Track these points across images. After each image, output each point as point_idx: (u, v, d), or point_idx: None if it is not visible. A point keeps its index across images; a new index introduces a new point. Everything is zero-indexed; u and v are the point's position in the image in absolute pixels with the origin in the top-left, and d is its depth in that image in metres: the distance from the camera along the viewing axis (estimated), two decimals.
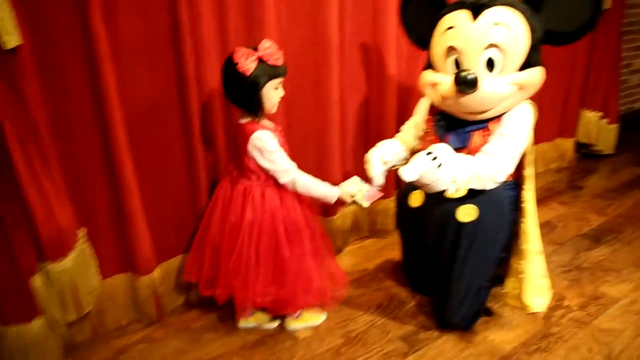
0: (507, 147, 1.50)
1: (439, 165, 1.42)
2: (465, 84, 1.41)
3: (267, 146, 1.57)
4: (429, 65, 1.66)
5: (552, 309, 1.90)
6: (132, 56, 1.59)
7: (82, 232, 1.65)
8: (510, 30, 1.42)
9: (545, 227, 2.53)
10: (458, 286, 1.67)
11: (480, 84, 1.42)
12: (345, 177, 2.21)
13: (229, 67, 1.52)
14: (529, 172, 1.62)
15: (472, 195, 1.54)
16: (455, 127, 1.60)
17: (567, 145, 3.36)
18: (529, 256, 1.66)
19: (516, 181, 1.65)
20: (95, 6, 1.43)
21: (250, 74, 1.49)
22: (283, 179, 1.62)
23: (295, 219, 1.67)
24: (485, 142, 1.55)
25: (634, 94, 4.07)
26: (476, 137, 1.57)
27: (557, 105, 3.21)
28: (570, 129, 3.33)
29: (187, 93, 1.70)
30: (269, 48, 1.52)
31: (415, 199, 1.76)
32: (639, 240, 2.40)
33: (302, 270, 1.68)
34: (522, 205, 1.64)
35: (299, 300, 1.71)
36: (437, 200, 1.58)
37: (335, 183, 2.13)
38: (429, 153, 1.44)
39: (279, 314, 1.81)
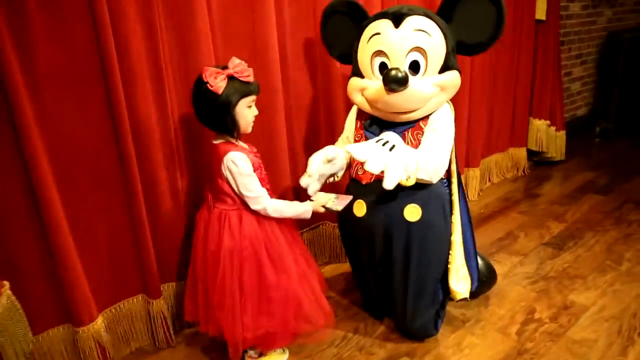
0: (442, 142, 1.57)
1: (392, 148, 1.44)
2: (396, 82, 1.45)
3: (240, 169, 1.49)
4: (355, 74, 1.68)
5: (523, 323, 1.84)
6: (53, 88, 1.45)
7: (5, 286, 1.46)
8: (429, 36, 1.52)
9: (508, 238, 2.49)
10: (414, 291, 1.67)
11: (409, 82, 1.48)
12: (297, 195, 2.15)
13: (199, 87, 1.46)
14: (453, 167, 1.70)
15: (415, 195, 1.58)
16: (386, 129, 1.62)
17: (520, 154, 3.38)
18: (454, 246, 1.70)
19: (448, 178, 1.70)
20: (4, 32, 1.29)
21: (222, 93, 1.43)
22: (254, 206, 1.53)
23: (276, 242, 1.57)
24: (418, 141, 1.60)
25: (576, 101, 4.18)
26: (409, 136, 1.60)
27: (507, 115, 3.24)
28: (522, 138, 3.36)
29: (119, 124, 1.55)
30: (238, 65, 1.46)
31: (359, 209, 1.68)
32: (599, 244, 2.40)
33: (291, 297, 1.56)
34: (452, 198, 1.70)
35: (290, 329, 1.58)
36: (382, 205, 1.61)
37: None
38: (379, 140, 1.46)
39: (270, 349, 1.68)
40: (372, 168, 1.40)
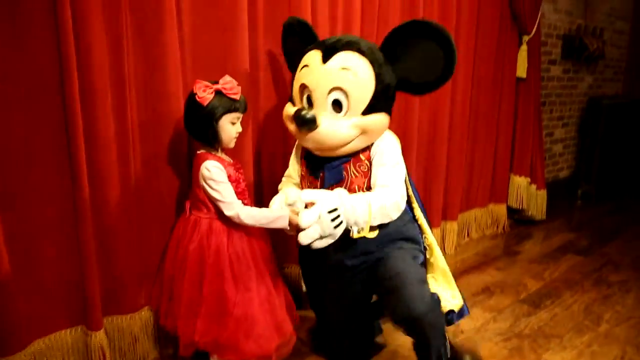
0: (395, 175, 1.52)
1: (338, 225, 1.38)
2: (301, 123, 1.45)
3: (212, 174, 1.52)
4: (290, 100, 1.64)
5: None
6: (4, 94, 1.37)
7: None
8: (355, 76, 1.45)
9: (482, 294, 2.37)
10: (406, 277, 1.47)
11: (319, 122, 1.45)
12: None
13: (190, 98, 1.53)
14: (410, 192, 1.67)
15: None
16: (326, 163, 1.57)
17: (500, 210, 3.32)
18: (442, 271, 1.68)
19: (409, 204, 1.65)
20: None
21: (207, 105, 1.49)
22: (227, 212, 1.54)
23: (243, 258, 1.58)
24: (361, 174, 1.54)
25: (558, 163, 4.18)
26: (350, 168, 1.55)
27: (487, 169, 3.20)
28: (502, 194, 3.31)
29: (73, 138, 1.47)
30: (228, 82, 1.53)
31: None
32: (577, 304, 2.28)
33: (247, 316, 1.54)
34: (419, 223, 1.66)
35: (240, 347, 1.53)
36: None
37: None
38: (332, 210, 1.38)
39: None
40: (305, 239, 1.37)
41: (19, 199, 1.45)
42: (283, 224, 1.56)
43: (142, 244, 1.69)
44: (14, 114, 1.41)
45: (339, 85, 1.44)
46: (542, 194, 3.45)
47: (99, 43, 1.49)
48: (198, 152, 1.60)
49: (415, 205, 1.68)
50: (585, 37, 3.94)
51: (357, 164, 1.55)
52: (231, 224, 1.57)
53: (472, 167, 3.09)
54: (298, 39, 1.70)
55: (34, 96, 1.43)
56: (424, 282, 1.52)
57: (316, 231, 1.36)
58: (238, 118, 1.57)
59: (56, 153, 1.49)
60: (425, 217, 1.70)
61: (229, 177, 1.56)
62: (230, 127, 1.55)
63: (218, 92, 1.50)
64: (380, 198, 1.45)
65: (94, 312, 1.59)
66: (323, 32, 2.02)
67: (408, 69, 1.51)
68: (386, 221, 1.48)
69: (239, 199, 1.57)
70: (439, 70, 1.47)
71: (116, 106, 1.56)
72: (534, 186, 3.39)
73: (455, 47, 1.46)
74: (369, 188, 1.54)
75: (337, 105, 1.47)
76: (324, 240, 1.38)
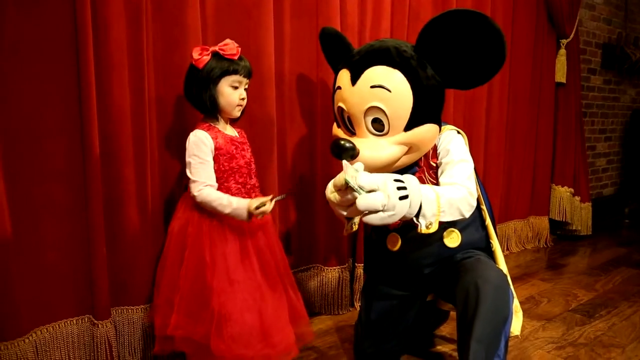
0: (462, 171, 1.38)
1: (403, 197, 1.13)
2: (338, 155, 1.30)
3: (190, 145, 1.39)
4: (335, 120, 1.53)
5: None
6: (18, 62, 1.31)
7: None
8: (388, 92, 1.32)
9: (528, 302, 2.15)
10: (485, 265, 1.38)
11: (359, 149, 1.31)
12: (285, 226, 1.92)
13: (189, 66, 1.42)
14: (479, 191, 1.50)
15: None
16: None
17: (542, 223, 3.10)
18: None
19: (477, 205, 1.44)
20: None
21: (203, 67, 1.38)
22: (192, 192, 1.39)
23: (232, 245, 1.40)
24: (436, 178, 1.43)
25: (602, 179, 3.94)
26: (425, 177, 1.45)
27: (526, 180, 3.01)
28: (543, 206, 3.10)
29: (86, 110, 1.39)
30: (227, 44, 1.41)
31: (393, 242, 1.51)
32: (638, 315, 2.04)
33: (224, 312, 1.33)
34: (485, 223, 1.52)
35: (212, 347, 1.31)
36: (419, 238, 1.41)
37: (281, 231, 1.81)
38: (399, 181, 1.16)
39: None
40: (366, 202, 1.10)
41: (27, 174, 1.36)
42: (241, 213, 1.37)
43: (155, 227, 1.57)
44: (26, 83, 1.34)
45: (372, 105, 1.33)
46: (587, 207, 3.22)
47: (118, 17, 1.43)
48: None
49: (484, 207, 1.53)
50: (626, 47, 3.78)
51: (430, 170, 1.45)
52: None
53: (510, 175, 2.91)
54: (334, 49, 1.61)
55: (48, 68, 1.36)
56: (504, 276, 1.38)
57: (380, 198, 1.10)
58: (240, 82, 1.43)
59: (68, 128, 1.41)
60: (492, 220, 1.55)
61: (219, 148, 1.40)
62: (230, 92, 1.41)
63: (215, 54, 1.39)
64: (448, 191, 1.28)
65: (101, 301, 1.47)
66: (352, 31, 1.95)
67: (452, 64, 1.34)
68: (457, 217, 1.29)
69: (233, 175, 1.43)
70: (487, 60, 1.31)
71: (133, 82, 1.48)
72: (577, 198, 3.17)
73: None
74: None
75: (379, 124, 1.36)
76: (386, 214, 1.12)
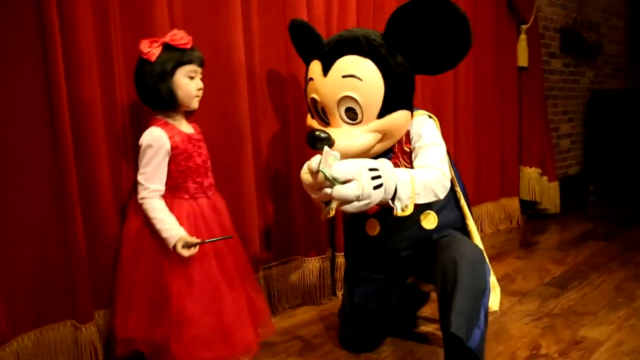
0: (435, 154, 1.42)
1: (378, 187, 1.18)
2: (314, 146, 1.29)
3: (146, 148, 1.34)
4: (309, 111, 1.55)
5: (527, 359, 1.53)
6: None
7: None
8: (359, 81, 1.34)
9: (504, 280, 2.22)
10: (462, 241, 1.45)
11: (334, 138, 1.31)
12: (263, 220, 1.93)
13: (138, 61, 1.36)
14: (452, 173, 1.53)
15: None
16: None
17: (512, 204, 3.19)
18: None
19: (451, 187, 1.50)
20: None
21: (155, 60, 1.32)
22: (139, 194, 1.36)
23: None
24: (411, 162, 1.46)
25: (567, 159, 4.07)
26: (400, 162, 1.47)
27: (495, 162, 3.09)
28: (513, 188, 3.19)
29: (57, 108, 1.37)
30: (176, 34, 1.35)
31: (372, 227, 1.55)
32: (607, 283, 2.14)
33: (182, 313, 1.31)
34: (460, 204, 1.56)
35: (171, 350, 1.29)
36: (397, 222, 1.42)
37: (252, 233, 1.80)
38: (373, 169, 1.19)
39: None
40: (342, 192, 1.15)
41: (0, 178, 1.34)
42: (170, 241, 1.30)
43: None
44: None
45: (345, 95, 1.35)
46: (555, 185, 3.34)
47: (84, 17, 1.42)
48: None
49: (457, 188, 1.57)
50: (582, 31, 3.91)
51: (404, 156, 1.47)
52: (177, 202, 1.39)
53: (479, 159, 2.98)
54: (304, 41, 1.63)
55: (15, 69, 1.34)
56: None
57: (354, 189, 1.15)
58: (195, 72, 1.38)
59: (40, 131, 1.39)
60: (466, 200, 1.59)
61: (176, 148, 1.36)
62: (187, 82, 1.36)
63: (166, 45, 1.33)
64: (422, 174, 1.33)
65: (83, 304, 1.46)
66: (319, 22, 1.95)
67: (420, 50, 1.38)
68: (432, 199, 1.33)
69: (191, 175, 1.39)
70: (454, 45, 1.36)
71: (104, 81, 1.47)
72: (545, 178, 3.28)
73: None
74: None
75: (352, 113, 1.38)
76: (361, 203, 1.17)
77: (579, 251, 2.60)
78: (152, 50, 1.31)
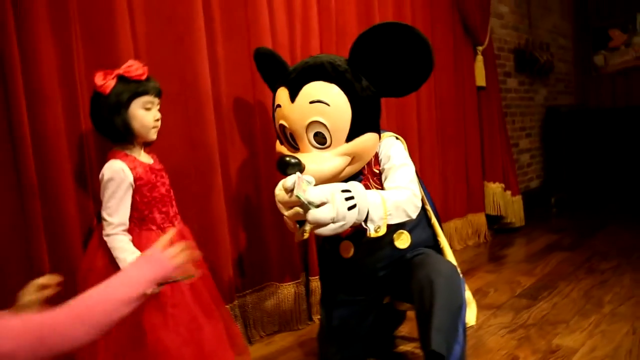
0: (404, 175, 1.43)
1: (352, 207, 1.20)
2: (286, 169, 1.29)
3: (108, 182, 1.29)
4: (278, 137, 1.56)
5: None
6: None
7: None
8: (327, 105, 1.36)
9: (477, 294, 2.25)
10: (435, 258, 1.46)
11: (304, 163, 1.31)
12: (236, 248, 1.91)
13: (93, 94, 1.34)
14: (421, 192, 1.55)
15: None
16: None
17: (479, 219, 3.26)
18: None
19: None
20: None
21: (110, 92, 1.29)
22: (104, 230, 1.31)
23: None
24: (381, 183, 1.47)
25: (527, 173, 4.21)
26: (371, 184, 1.48)
27: (461, 179, 3.17)
28: (479, 203, 3.27)
29: (19, 142, 1.33)
30: (131, 65, 1.32)
31: (346, 249, 1.54)
32: (576, 291, 2.20)
33: (160, 348, 1.26)
34: (431, 222, 1.58)
35: None
36: (371, 242, 1.44)
37: (225, 262, 1.78)
38: (346, 190, 1.22)
39: None
40: (316, 216, 1.17)
41: None
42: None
43: None
44: None
45: (313, 120, 1.37)
46: (518, 199, 3.44)
47: (46, 49, 1.40)
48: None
49: (428, 207, 1.59)
50: (534, 51, 4.10)
51: (374, 177, 1.48)
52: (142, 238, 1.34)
53: (445, 177, 3.05)
54: (269, 68, 1.65)
55: None
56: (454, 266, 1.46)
57: (329, 211, 1.17)
58: (152, 103, 1.35)
59: (2, 169, 1.35)
60: (437, 218, 1.61)
61: (139, 179, 1.33)
62: (143, 114, 1.33)
63: (121, 77, 1.31)
64: (393, 195, 1.34)
65: None
66: (283, 49, 1.99)
67: (384, 74, 1.41)
68: (404, 219, 1.35)
69: (156, 205, 1.36)
70: (417, 67, 1.39)
71: (68, 114, 1.44)
72: (508, 192, 3.38)
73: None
74: None
75: (321, 137, 1.40)
76: (337, 224, 1.19)
77: (546, 262, 2.67)
78: (106, 82, 1.29)
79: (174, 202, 1.45)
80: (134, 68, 1.32)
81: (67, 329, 0.74)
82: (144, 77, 1.33)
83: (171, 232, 1.09)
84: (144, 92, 1.33)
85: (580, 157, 4.30)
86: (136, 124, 1.32)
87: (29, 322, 0.72)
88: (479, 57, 3.24)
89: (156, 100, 1.38)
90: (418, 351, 1.73)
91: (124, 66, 1.32)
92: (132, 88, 1.31)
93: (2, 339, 0.66)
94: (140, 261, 1.00)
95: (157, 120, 1.38)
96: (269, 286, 2.01)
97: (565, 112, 4.30)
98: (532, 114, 4.24)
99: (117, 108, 1.29)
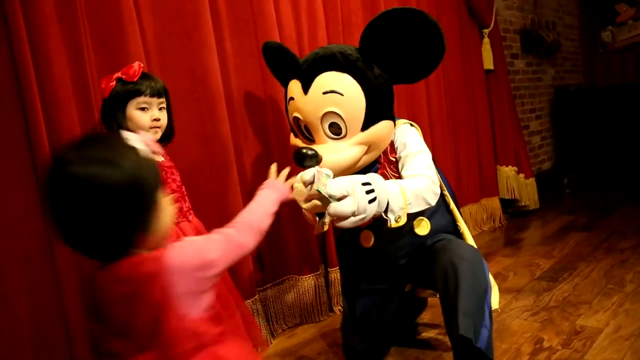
0: (422, 162, 1.43)
1: (372, 200, 1.21)
2: (302, 165, 1.29)
3: None
4: (292, 130, 1.55)
5: (533, 353, 1.55)
6: None
7: None
8: (341, 95, 1.36)
9: (496, 278, 2.23)
10: (458, 244, 1.44)
11: (321, 155, 1.32)
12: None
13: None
14: (439, 178, 1.54)
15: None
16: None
17: (493, 204, 3.24)
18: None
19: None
20: None
21: (109, 95, 1.31)
22: None
23: None
24: (398, 171, 1.46)
25: (539, 155, 4.17)
26: (388, 172, 1.48)
27: (473, 164, 3.15)
28: (492, 187, 3.25)
29: (37, 151, 1.34)
30: (129, 67, 1.32)
31: (366, 239, 1.53)
32: (595, 272, 2.18)
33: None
34: (450, 207, 1.56)
35: None
36: (391, 231, 1.42)
37: (245, 258, 1.78)
38: (366, 183, 1.22)
39: None
40: (338, 209, 1.18)
41: None
42: None
43: None
44: None
45: (327, 110, 1.36)
46: (532, 182, 3.41)
47: (58, 54, 1.40)
48: None
49: (446, 192, 1.58)
50: (540, 31, 4.05)
51: (391, 165, 1.48)
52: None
53: (457, 163, 3.04)
54: (279, 62, 1.63)
55: None
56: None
57: (350, 205, 1.18)
58: (148, 103, 1.33)
59: (22, 176, 1.35)
60: (455, 203, 1.60)
61: None
62: (139, 115, 1.32)
63: (119, 80, 1.32)
64: (412, 183, 1.34)
65: (80, 353, 1.40)
66: (290, 42, 1.97)
67: (396, 60, 1.40)
68: (424, 207, 1.35)
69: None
70: (428, 52, 1.37)
71: (82, 117, 1.45)
72: (522, 175, 3.35)
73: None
74: None
75: (336, 128, 1.39)
76: (357, 217, 1.20)
77: (564, 243, 2.65)
78: (107, 86, 1.31)
79: (186, 198, 1.46)
80: (131, 69, 1.32)
81: (248, 237, 0.99)
82: (136, 78, 1.32)
83: (287, 170, 1.25)
84: (137, 93, 1.32)
85: (591, 136, 4.25)
86: (131, 125, 1.32)
87: (227, 235, 0.96)
88: (486, 40, 3.21)
89: (154, 100, 1.35)
90: (442, 337, 1.73)
91: (124, 68, 1.33)
92: (126, 89, 1.31)
93: (211, 251, 0.90)
94: (268, 187, 1.20)
95: (156, 120, 1.35)
96: (288, 279, 2.02)
97: (574, 91, 4.25)
98: (541, 95, 4.20)
99: (113, 109, 1.31)
